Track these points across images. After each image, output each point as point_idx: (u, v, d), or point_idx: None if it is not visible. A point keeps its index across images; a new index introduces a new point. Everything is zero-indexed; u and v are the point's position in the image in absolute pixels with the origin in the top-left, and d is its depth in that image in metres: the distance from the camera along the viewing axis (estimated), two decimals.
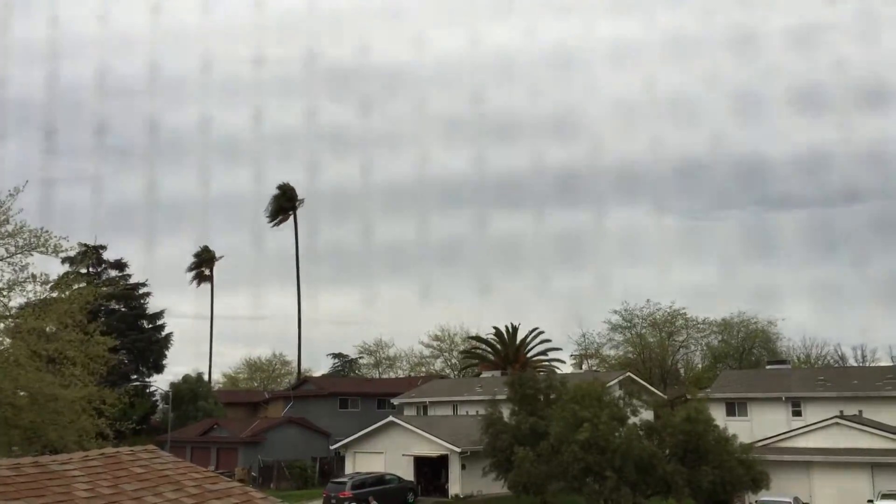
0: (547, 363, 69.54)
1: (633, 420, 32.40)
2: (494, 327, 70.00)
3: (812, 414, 40.73)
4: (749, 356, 68.27)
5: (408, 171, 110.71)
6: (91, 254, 56.83)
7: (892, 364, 59.60)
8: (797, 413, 42.49)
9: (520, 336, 69.21)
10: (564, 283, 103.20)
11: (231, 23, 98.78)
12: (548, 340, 69.63)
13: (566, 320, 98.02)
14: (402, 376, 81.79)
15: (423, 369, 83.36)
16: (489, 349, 71.18)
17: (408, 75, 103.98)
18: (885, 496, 32.22)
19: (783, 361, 56.17)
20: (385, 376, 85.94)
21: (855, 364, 64.99)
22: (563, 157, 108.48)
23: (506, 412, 36.67)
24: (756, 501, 33.48)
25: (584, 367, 73.74)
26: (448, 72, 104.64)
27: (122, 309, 64.60)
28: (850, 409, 39.84)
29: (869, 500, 33.58)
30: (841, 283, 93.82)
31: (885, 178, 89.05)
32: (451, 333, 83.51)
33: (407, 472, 42.43)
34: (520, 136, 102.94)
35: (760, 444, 36.66)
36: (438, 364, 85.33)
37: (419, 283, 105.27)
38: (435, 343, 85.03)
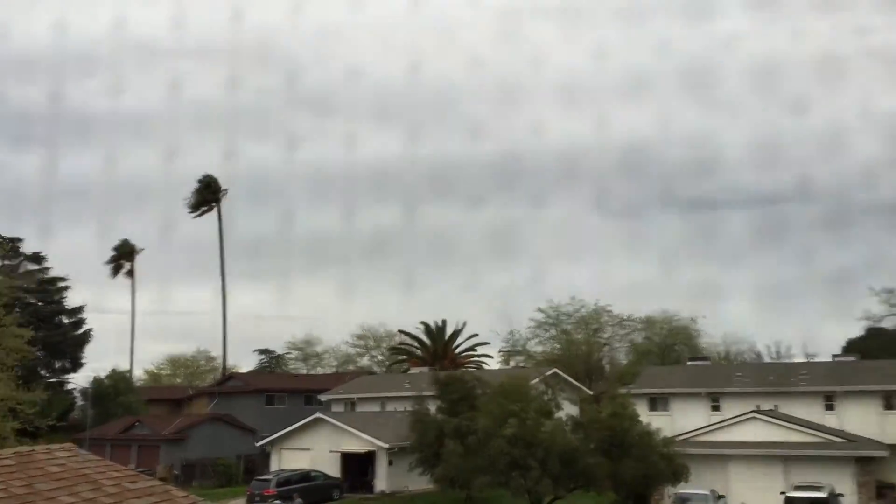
0: (475, 359, 70.00)
1: (559, 415, 32.86)
2: (423, 322, 70.14)
3: (730, 409, 41.85)
4: (671, 353, 69.83)
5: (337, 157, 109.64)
6: (5, 245, 54.67)
7: (805, 360, 61.76)
8: (716, 408, 43.57)
9: (448, 332, 69.47)
10: (493, 278, 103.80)
11: None
12: (475, 335, 70.16)
13: (495, 316, 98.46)
14: (329, 372, 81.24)
15: (351, 366, 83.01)
16: (417, 345, 71.20)
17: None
18: (797, 488, 33.32)
19: (704, 358, 57.38)
20: (313, 373, 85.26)
21: (769, 360, 67.06)
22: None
23: (433, 407, 36.81)
24: (674, 494, 34.31)
25: (512, 363, 74.35)
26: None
27: (39, 303, 62.39)
28: (767, 404, 41.09)
29: (781, 492, 34.68)
30: (763, 280, 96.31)
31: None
32: (374, 331, 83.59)
33: (334, 469, 42.21)
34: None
35: (681, 438, 37.60)
36: (365, 360, 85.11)
37: (346, 278, 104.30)
38: (360, 342, 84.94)
